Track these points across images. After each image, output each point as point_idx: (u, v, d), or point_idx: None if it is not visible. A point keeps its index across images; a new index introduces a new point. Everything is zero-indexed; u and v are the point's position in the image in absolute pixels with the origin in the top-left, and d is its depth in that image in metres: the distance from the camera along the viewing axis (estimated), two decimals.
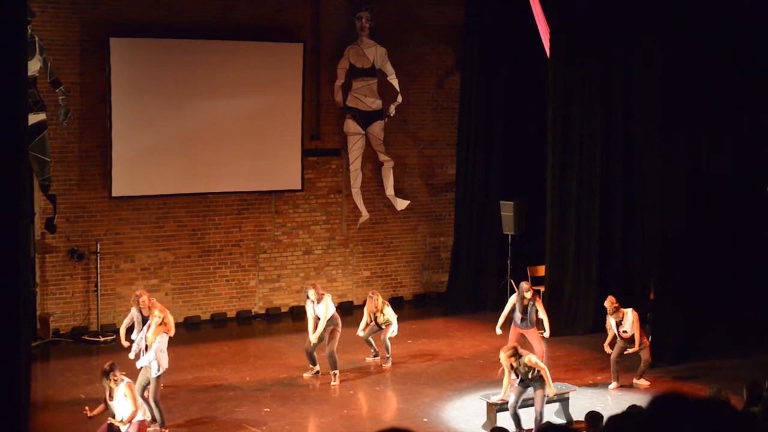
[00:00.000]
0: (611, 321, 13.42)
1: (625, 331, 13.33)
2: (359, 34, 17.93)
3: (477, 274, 18.29)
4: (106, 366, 10.59)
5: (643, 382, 13.53)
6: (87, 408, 10.68)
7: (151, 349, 11.63)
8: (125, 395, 10.44)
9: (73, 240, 16.14)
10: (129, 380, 10.66)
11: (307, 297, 13.79)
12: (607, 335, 13.63)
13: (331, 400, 13.24)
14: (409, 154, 18.94)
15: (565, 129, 16.30)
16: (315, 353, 13.98)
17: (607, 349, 13.56)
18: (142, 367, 11.74)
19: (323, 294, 13.82)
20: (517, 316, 13.72)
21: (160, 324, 11.73)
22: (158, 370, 11.61)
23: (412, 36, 18.55)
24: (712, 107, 14.80)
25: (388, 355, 14.65)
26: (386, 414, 13.08)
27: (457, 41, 18.64)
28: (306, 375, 14.02)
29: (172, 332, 12.12)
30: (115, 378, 10.46)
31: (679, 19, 14.51)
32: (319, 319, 13.73)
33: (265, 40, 17.12)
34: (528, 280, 14.79)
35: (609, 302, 13.43)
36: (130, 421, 10.44)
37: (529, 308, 13.58)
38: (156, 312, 11.85)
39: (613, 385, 13.44)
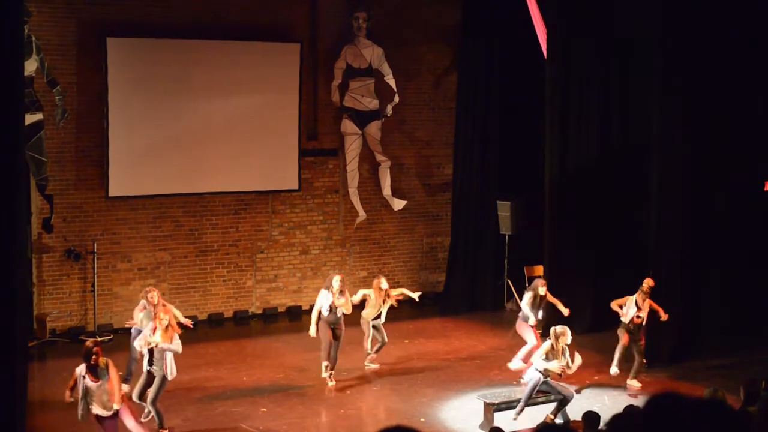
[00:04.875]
0: (632, 306, 13.36)
1: (639, 316, 13.36)
2: (356, 34, 17.92)
3: (474, 274, 18.29)
4: (89, 343, 10.43)
5: (636, 384, 13.49)
6: (68, 392, 10.56)
7: (170, 354, 11.48)
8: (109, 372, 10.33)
9: (70, 240, 16.13)
10: (108, 359, 10.50)
11: (330, 286, 13.57)
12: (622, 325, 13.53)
13: (328, 400, 13.23)
14: (406, 154, 18.94)
15: (563, 129, 16.30)
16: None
17: (624, 336, 13.47)
18: (147, 370, 11.65)
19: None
20: (533, 313, 13.68)
21: (167, 328, 11.54)
22: (171, 374, 11.50)
23: (409, 36, 18.55)
24: (712, 106, 14.80)
25: (373, 353, 14.49)
26: (383, 414, 13.08)
27: (455, 41, 18.65)
28: (324, 375, 13.69)
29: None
30: (96, 357, 10.24)
31: (677, 17, 14.51)
32: (321, 312, 13.58)
33: (262, 40, 17.11)
34: (543, 279, 14.61)
35: (648, 284, 13.47)
36: (116, 395, 10.36)
37: (543, 304, 13.76)
38: (161, 314, 11.61)
39: (615, 370, 13.44)
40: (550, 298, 13.90)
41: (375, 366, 14.46)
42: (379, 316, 14.32)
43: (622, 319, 13.51)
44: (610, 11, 15.95)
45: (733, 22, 14.75)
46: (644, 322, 13.48)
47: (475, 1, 18.06)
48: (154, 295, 12.87)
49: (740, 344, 14.91)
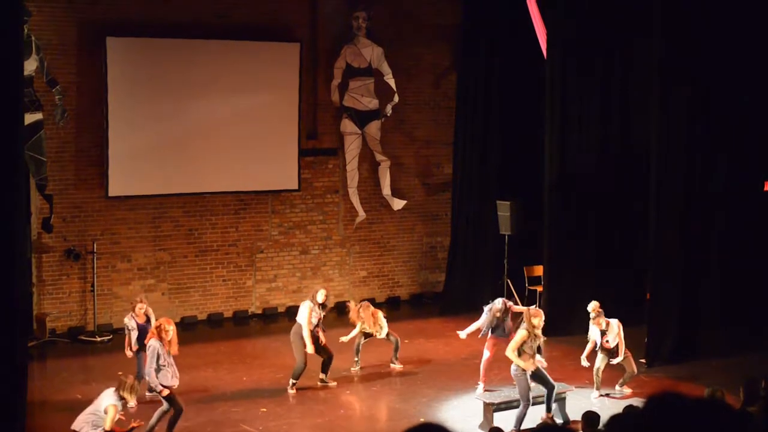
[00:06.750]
0: (594, 330, 13.11)
1: (607, 341, 13.07)
2: (356, 34, 17.92)
3: (474, 274, 18.26)
4: (130, 379, 10.37)
5: (626, 390, 13.36)
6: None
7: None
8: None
9: (70, 240, 16.12)
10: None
11: (314, 297, 13.49)
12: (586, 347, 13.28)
13: (328, 400, 13.23)
14: (405, 154, 18.94)
15: (562, 129, 16.30)
16: None
17: (585, 362, 13.20)
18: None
19: None
20: (487, 327, 13.51)
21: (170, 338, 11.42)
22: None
23: (409, 35, 18.54)
24: (712, 106, 14.80)
25: (356, 359, 14.47)
26: (383, 414, 13.08)
27: (455, 41, 18.64)
28: (290, 391, 13.55)
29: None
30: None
31: (676, 17, 14.51)
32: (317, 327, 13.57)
33: (262, 40, 17.11)
34: (504, 297, 14.42)
35: (593, 307, 13.16)
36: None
37: (504, 320, 13.42)
38: (166, 325, 11.38)
39: (596, 393, 13.23)
40: (515, 308, 13.69)
41: (399, 366, 14.50)
42: (370, 335, 14.33)
43: (589, 346, 13.20)
44: (610, 11, 15.94)
45: (733, 21, 14.74)
46: (620, 344, 13.00)
47: (475, 1, 18.05)
48: (143, 307, 12.82)
49: (740, 343, 14.90)
